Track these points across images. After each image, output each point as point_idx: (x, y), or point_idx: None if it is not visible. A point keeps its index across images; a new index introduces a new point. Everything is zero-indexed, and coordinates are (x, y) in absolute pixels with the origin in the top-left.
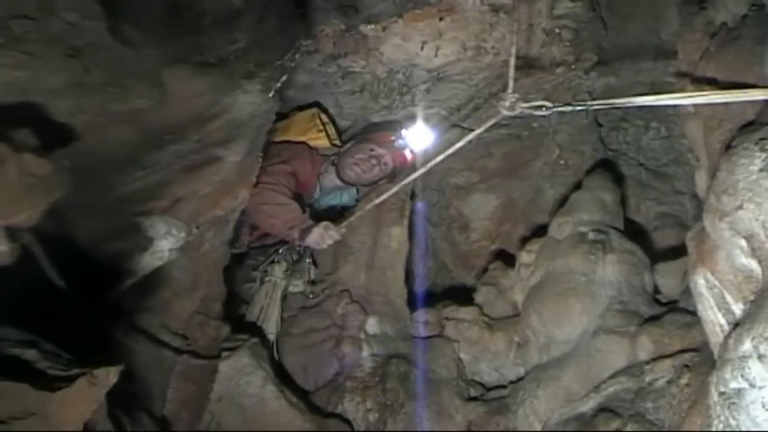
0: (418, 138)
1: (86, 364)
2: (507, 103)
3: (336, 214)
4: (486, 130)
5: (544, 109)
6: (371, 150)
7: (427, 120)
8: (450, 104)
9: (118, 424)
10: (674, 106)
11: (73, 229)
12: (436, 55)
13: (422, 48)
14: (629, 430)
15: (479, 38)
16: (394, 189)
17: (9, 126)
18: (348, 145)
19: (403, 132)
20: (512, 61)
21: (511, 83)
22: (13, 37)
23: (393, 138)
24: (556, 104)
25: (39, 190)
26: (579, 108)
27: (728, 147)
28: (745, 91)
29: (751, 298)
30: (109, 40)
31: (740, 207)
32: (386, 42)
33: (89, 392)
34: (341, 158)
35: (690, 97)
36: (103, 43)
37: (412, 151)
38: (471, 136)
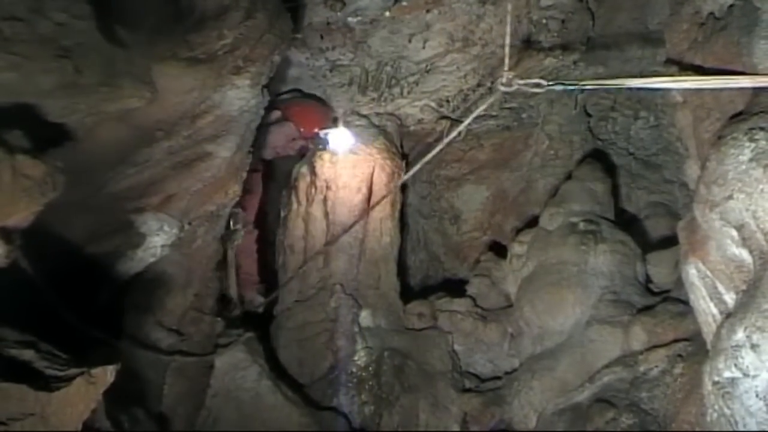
0: (338, 140)
1: (83, 363)
2: (504, 80)
3: None
4: (475, 121)
5: (539, 87)
6: (293, 140)
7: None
8: (439, 96)
9: (117, 423)
10: (663, 95)
11: (65, 227)
12: (423, 47)
13: (410, 40)
14: (624, 420)
15: (467, 30)
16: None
17: (1, 128)
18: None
19: (328, 133)
20: (507, 40)
21: (506, 61)
22: (2, 39)
23: (318, 134)
24: (551, 82)
25: (33, 192)
26: (572, 87)
27: (718, 137)
28: (736, 77)
29: (743, 287)
30: (100, 40)
31: (730, 197)
32: (374, 35)
33: (87, 392)
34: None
35: (681, 81)
36: (94, 43)
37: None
38: (474, 115)
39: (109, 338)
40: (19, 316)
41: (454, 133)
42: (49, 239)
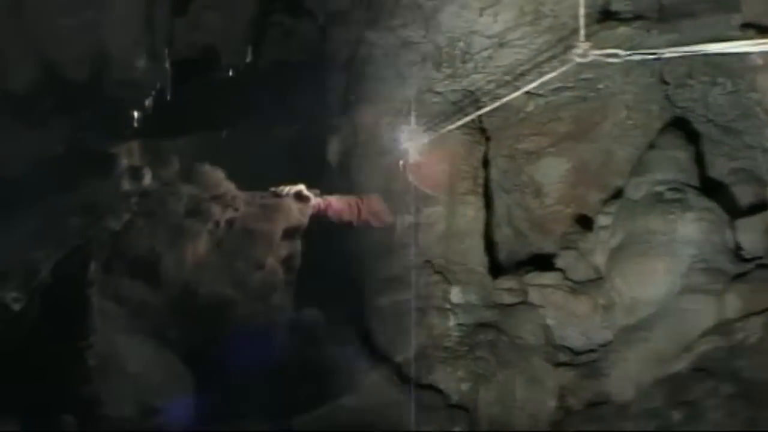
0: None
1: None
2: (580, 51)
3: None
4: (552, 93)
5: (616, 57)
6: None
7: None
8: (514, 70)
9: None
10: (741, 60)
11: None
12: (495, 21)
13: (481, 15)
14: (725, 389)
15: (537, 2)
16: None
17: None
18: None
19: None
20: (582, 11)
21: (582, 32)
22: None
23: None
24: (628, 52)
25: None
26: (651, 57)
27: None
28: None
29: None
30: None
31: None
32: (443, 10)
33: None
34: None
35: (762, 44)
36: None
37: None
38: (544, 78)
39: None
40: None
41: (512, 96)
42: None
